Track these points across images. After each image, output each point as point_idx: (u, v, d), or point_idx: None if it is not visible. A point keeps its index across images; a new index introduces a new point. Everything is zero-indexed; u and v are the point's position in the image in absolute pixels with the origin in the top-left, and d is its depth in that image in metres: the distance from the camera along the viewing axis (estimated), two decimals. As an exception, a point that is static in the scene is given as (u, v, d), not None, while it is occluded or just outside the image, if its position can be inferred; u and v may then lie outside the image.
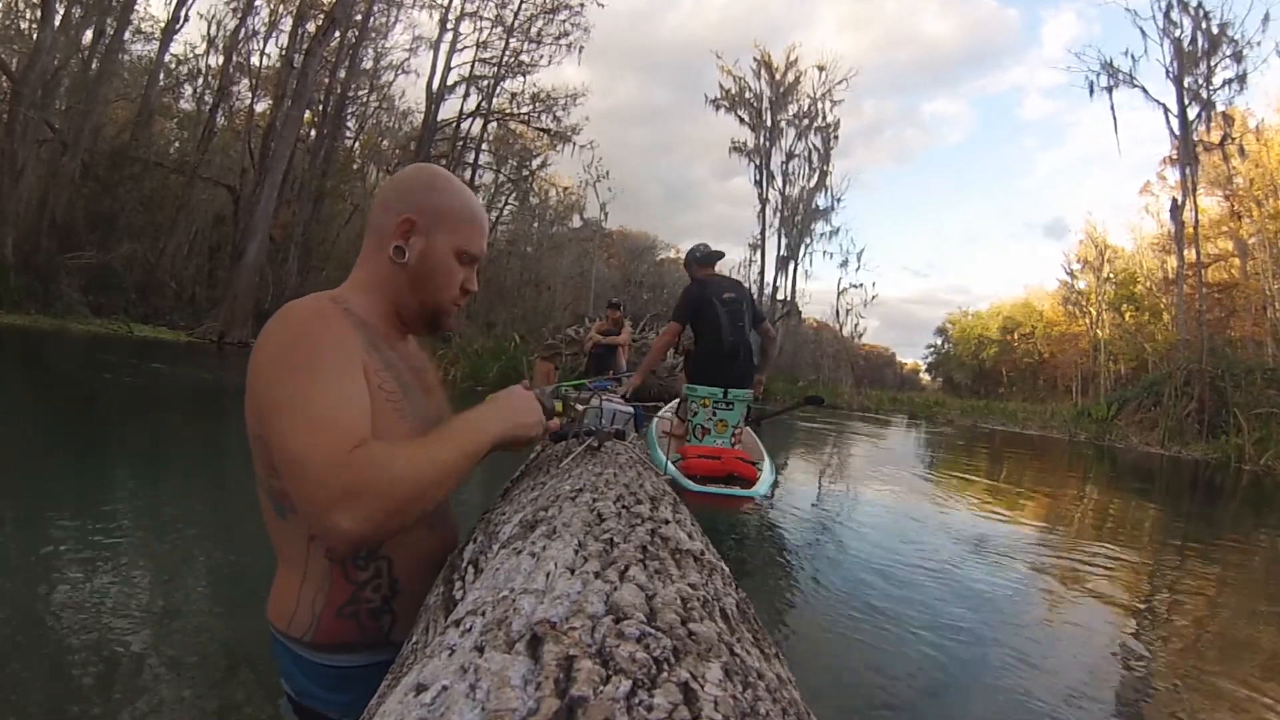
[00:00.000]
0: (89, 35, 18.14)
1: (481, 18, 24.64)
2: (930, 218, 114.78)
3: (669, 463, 3.48)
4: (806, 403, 7.27)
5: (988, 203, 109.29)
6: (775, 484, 4.24)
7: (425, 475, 0.71)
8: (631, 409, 1.55)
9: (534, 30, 25.31)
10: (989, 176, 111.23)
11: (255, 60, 22.79)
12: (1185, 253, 20.49)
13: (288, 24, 21.17)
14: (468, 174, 26.51)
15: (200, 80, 23.13)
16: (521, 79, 25.85)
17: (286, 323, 0.77)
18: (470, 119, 25.73)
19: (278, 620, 0.82)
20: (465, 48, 24.94)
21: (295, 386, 0.71)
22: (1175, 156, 20.92)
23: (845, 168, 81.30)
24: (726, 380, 3.73)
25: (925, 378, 58.43)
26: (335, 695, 0.81)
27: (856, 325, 35.08)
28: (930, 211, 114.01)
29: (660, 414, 4.95)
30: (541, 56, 25.54)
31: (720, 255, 3.99)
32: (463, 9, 24.31)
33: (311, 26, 19.98)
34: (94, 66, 18.16)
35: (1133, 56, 20.17)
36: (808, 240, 31.78)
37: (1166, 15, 19.26)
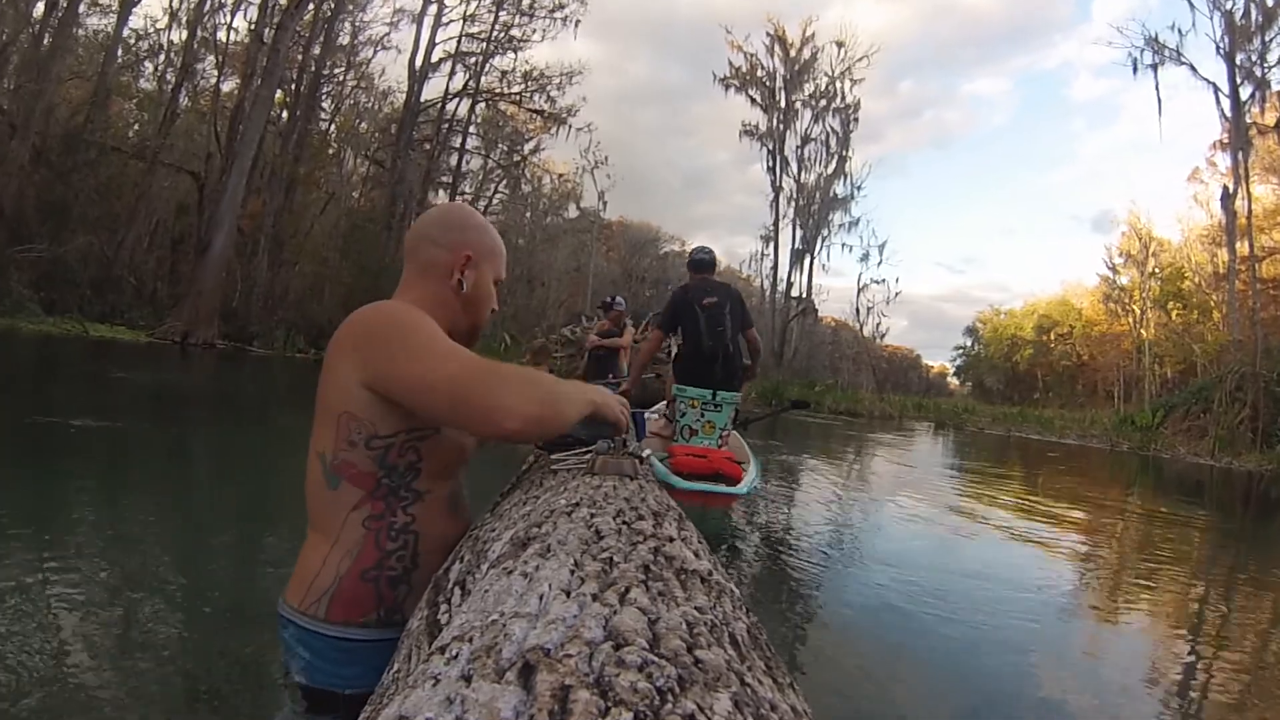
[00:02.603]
0: (40, 8, 18.21)
1: (469, -11, 24.72)
2: (969, 209, 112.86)
3: (657, 461, 3.76)
4: (792, 406, 7.34)
5: (1032, 194, 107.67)
6: (758, 485, 4.59)
7: (556, 388, 0.96)
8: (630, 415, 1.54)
9: (526, 2, 25.39)
10: (1034, 164, 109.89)
11: (222, 35, 22.87)
12: (1237, 245, 20.49)
13: (258, -4, 21.22)
14: (454, 159, 26.63)
15: (162, 57, 23.21)
16: (513, 56, 25.96)
17: (390, 308, 1.00)
18: (456, 99, 25.84)
19: (295, 593, 0.97)
20: (451, 21, 25.07)
21: (423, 339, 0.94)
22: (1226, 140, 20.96)
23: (878, 153, 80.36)
24: (710, 382, 4.09)
25: (953, 382, 58.38)
26: (343, 669, 0.94)
27: (878, 324, 35.02)
28: (969, 203, 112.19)
29: (647, 414, 5.20)
30: (534, 31, 25.66)
31: (708, 263, 4.39)
32: (448, -21, 24.40)
33: (283, -2, 20.04)
34: (46, 42, 18.22)
35: (1179, 31, 20.22)
36: (825, 232, 31.82)
37: (1217, -15, 19.29)
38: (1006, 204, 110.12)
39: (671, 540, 0.66)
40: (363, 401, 0.95)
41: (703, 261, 4.37)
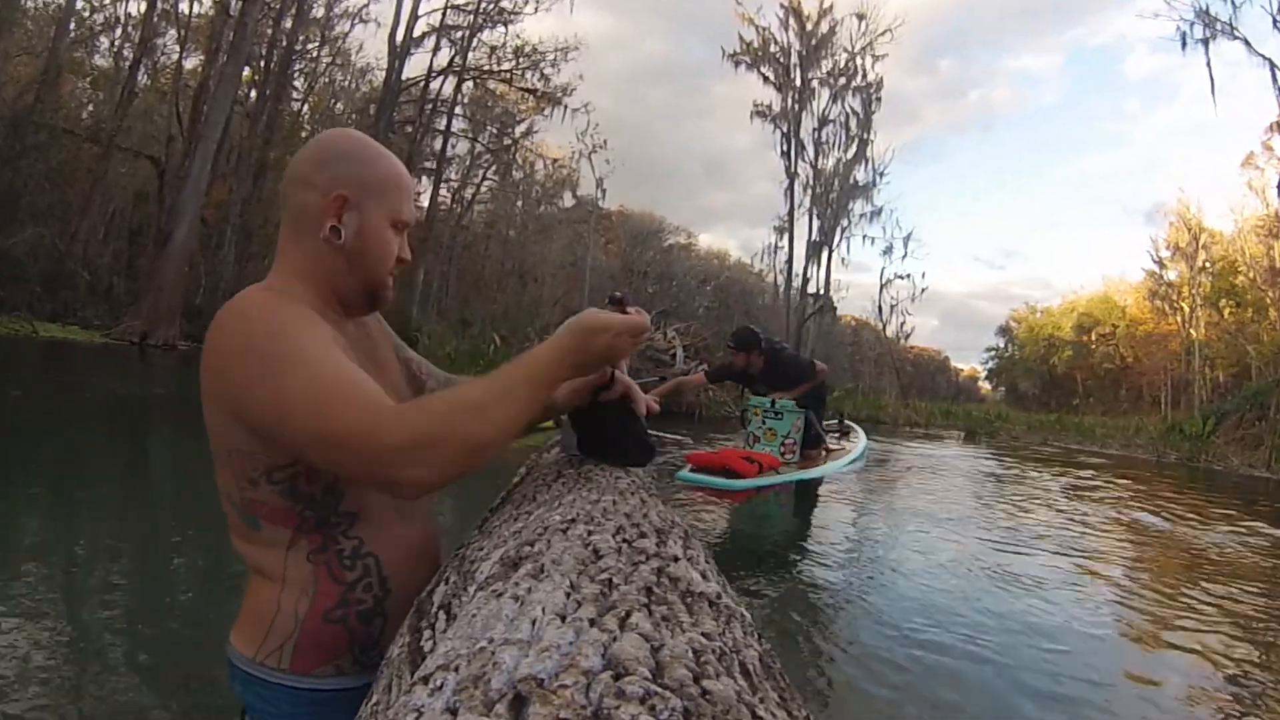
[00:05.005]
0: (-14, -22, 18.25)
1: (454, -43, 24.76)
2: (1012, 199, 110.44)
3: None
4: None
5: (1081, 182, 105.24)
6: (785, 482, 5.19)
7: (494, 414, 0.83)
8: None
9: (517, -29, 25.42)
10: (1085, 149, 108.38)
11: (184, 7, 22.93)
12: (1296, 237, 20.45)
13: (224, -36, 21.25)
14: (438, 143, 26.65)
15: (119, 31, 23.28)
16: (503, 30, 25.97)
17: (245, 314, 0.85)
18: (441, 77, 25.86)
19: (247, 644, 0.89)
20: (435, -8, 25.07)
21: (298, 370, 0.80)
22: (1284, 122, 20.92)
23: (914, 136, 79.49)
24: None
25: (984, 386, 58.33)
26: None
27: (902, 323, 34.97)
28: (1013, 191, 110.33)
29: None
30: (526, 2, 25.64)
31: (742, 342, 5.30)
32: (432, -54, 24.43)
33: (252, -33, 20.07)
34: (-7, 15, 18.26)
35: (1233, 2, 20.18)
36: (844, 222, 31.78)
37: (1272, -48, 19.26)
38: (1054, 193, 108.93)
39: (676, 560, 0.66)
40: (243, 434, 0.86)
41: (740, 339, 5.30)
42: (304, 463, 0.86)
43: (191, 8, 22.95)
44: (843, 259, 32.99)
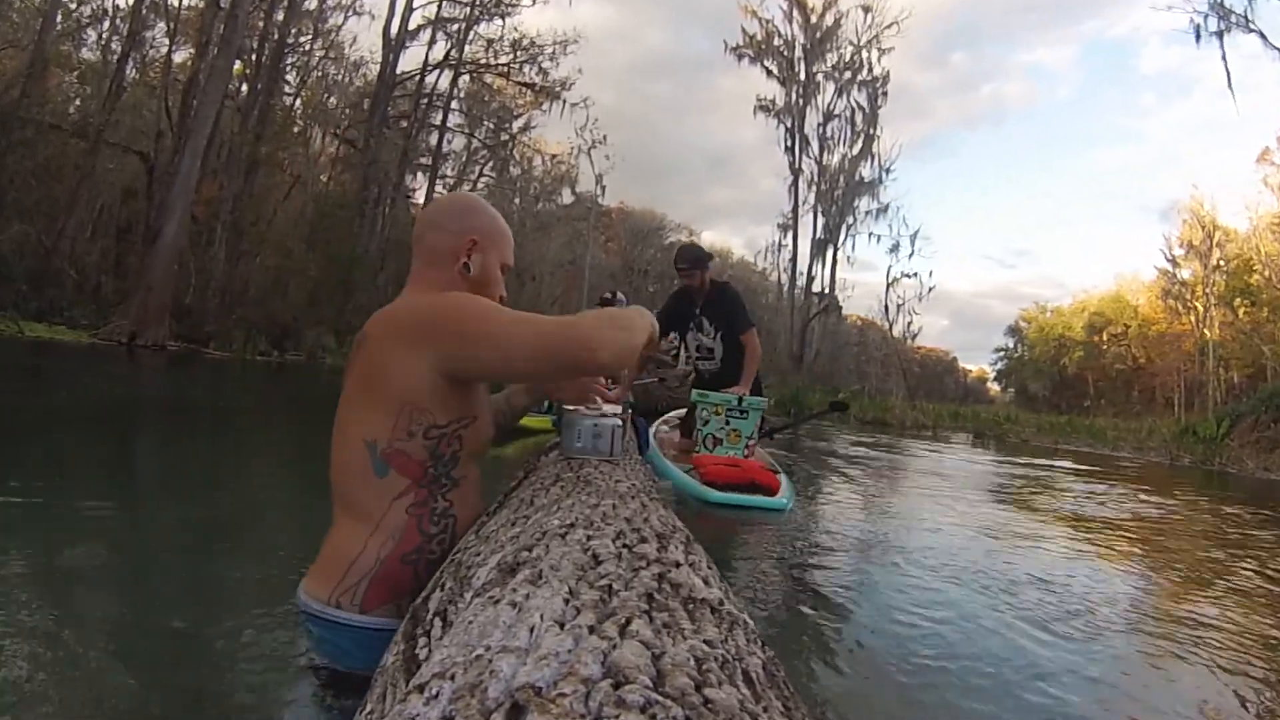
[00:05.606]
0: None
1: (450, -53, 24.75)
2: (1025, 195, 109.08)
3: (682, 474, 3.94)
4: (831, 409, 7.53)
5: (1096, 178, 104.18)
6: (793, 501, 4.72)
7: (625, 319, 1.20)
8: (619, 421, 1.55)
9: (514, -38, 25.41)
10: (1100, 145, 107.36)
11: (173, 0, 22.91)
12: (1313, 234, 20.42)
13: (214, -44, 21.22)
14: (434, 138, 26.62)
15: (106, 24, 23.28)
16: (500, 22, 25.96)
17: (437, 300, 1.18)
18: (437, 71, 25.86)
19: (323, 584, 1.12)
20: (430, -16, 25.05)
21: (496, 317, 1.12)
22: (1300, 117, 20.85)
23: (924, 131, 79.17)
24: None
25: (994, 387, 58.32)
26: (375, 654, 1.06)
27: (909, 323, 34.91)
28: (1026, 188, 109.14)
29: (658, 424, 5.31)
30: (525, -6, 25.63)
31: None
32: (427, -63, 24.41)
33: (243, -41, 20.05)
34: (-22, 8, 18.25)
35: (1249, -6, 20.13)
36: (850, 220, 31.74)
37: (1288, -57, 19.25)
38: (1066, 189, 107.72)
39: (678, 565, 0.66)
40: (429, 391, 1.11)
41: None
42: (453, 425, 1.15)
43: (181, 0, 22.96)
44: (848, 257, 32.92)
